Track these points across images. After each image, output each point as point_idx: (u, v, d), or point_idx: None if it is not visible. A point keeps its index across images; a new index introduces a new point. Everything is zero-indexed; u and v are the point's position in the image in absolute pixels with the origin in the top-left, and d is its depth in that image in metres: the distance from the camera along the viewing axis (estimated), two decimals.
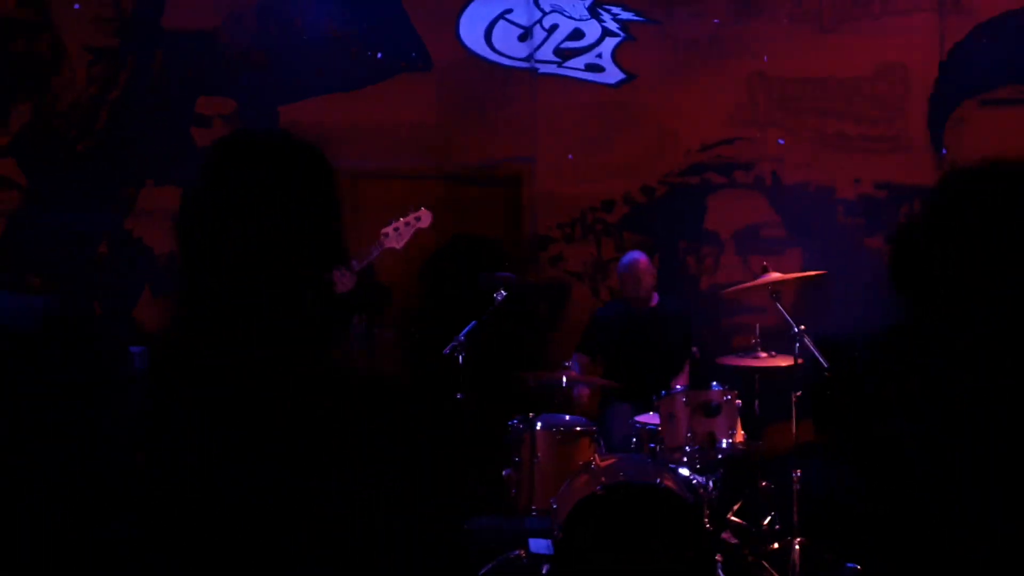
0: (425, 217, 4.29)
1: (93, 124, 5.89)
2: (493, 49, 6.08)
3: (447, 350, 4.40)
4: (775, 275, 4.63)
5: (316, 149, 1.66)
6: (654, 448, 4.37)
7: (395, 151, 5.96)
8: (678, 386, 4.37)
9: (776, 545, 4.48)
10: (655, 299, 5.23)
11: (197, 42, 5.92)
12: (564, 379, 4.44)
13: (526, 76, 6.07)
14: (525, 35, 6.07)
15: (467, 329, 4.44)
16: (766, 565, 4.36)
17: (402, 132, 5.96)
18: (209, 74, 5.92)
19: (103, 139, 5.88)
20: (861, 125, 6.02)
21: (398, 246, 4.27)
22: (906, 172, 5.99)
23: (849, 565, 4.38)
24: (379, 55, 6.00)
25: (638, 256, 5.22)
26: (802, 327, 4.44)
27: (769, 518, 4.72)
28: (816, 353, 4.40)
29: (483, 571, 4.23)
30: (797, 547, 4.29)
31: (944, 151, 5.99)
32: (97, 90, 5.90)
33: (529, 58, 6.08)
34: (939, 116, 6.00)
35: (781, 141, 6.04)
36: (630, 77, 6.09)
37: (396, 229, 4.20)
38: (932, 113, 6.01)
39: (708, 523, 3.91)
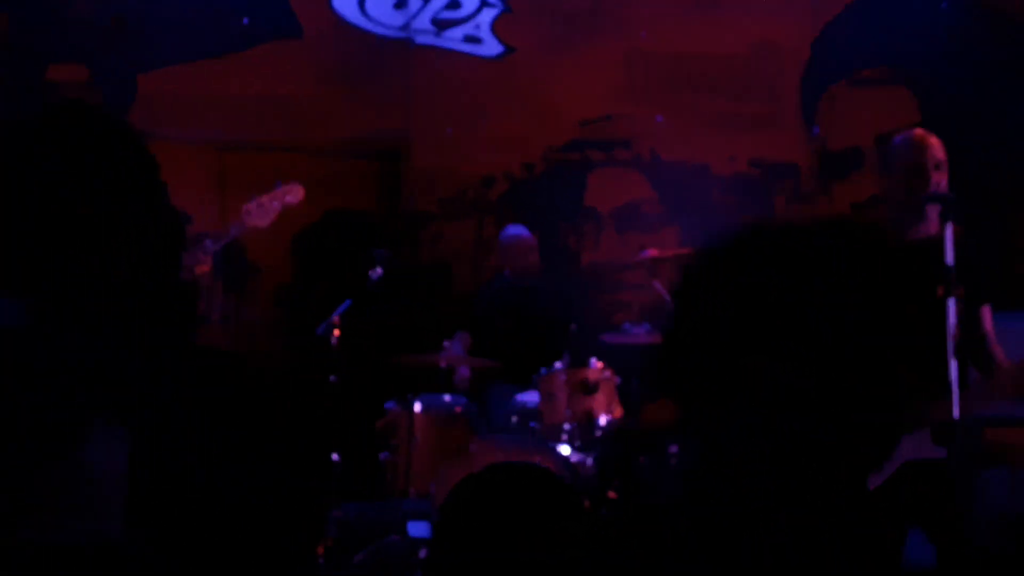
0: (295, 192, 3.79)
1: None
2: (367, 17, 5.88)
3: (320, 330, 4.22)
4: (653, 252, 4.63)
5: (123, 127, 1.52)
6: (534, 427, 4.32)
7: (265, 122, 5.70)
8: (557, 364, 4.32)
9: (655, 520, 4.50)
10: (535, 276, 5.17)
11: (47, 5, 5.52)
12: (443, 361, 4.33)
13: (402, 46, 5.90)
14: (400, 3, 5.89)
15: (341, 308, 4.27)
16: (645, 540, 4.37)
17: (272, 102, 5.71)
18: (60, 40, 5.53)
19: None
20: (736, 103, 6.09)
21: (263, 224, 3.74)
22: (779, 150, 6.10)
23: None
24: (245, 20, 5.72)
25: (521, 230, 5.16)
26: None
27: (647, 494, 4.74)
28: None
29: (357, 558, 4.10)
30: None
31: (816, 130, 6.12)
32: None
33: (405, 27, 5.90)
34: (811, 95, 6.12)
35: (659, 118, 6.05)
36: (509, 50, 5.99)
37: (260, 205, 3.72)
38: (805, 92, 6.12)
39: (587, 501, 3.87)
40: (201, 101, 5.51)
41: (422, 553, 3.94)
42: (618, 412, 4.32)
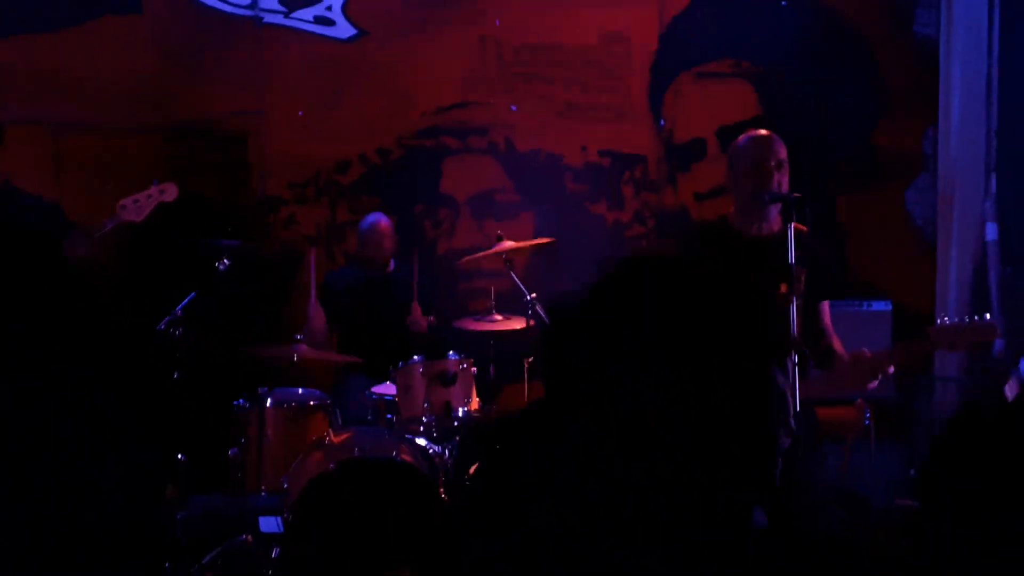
0: (170, 190, 4.10)
1: None
2: None
3: (162, 325, 4.04)
4: (508, 243, 4.67)
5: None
6: (391, 419, 4.29)
7: (104, 102, 5.39)
8: (416, 357, 4.30)
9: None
10: (391, 265, 5.12)
11: None
12: (295, 356, 4.23)
13: (250, 25, 5.69)
14: None
15: (184, 302, 4.10)
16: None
17: (111, 81, 5.40)
18: None
19: None
20: (587, 94, 6.18)
21: (137, 219, 4.02)
22: (628, 141, 6.24)
23: None
24: None
25: (380, 218, 5.10)
26: (534, 295, 4.50)
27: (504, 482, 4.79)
28: (545, 317, 4.48)
29: (206, 559, 3.98)
30: None
31: (663, 122, 6.30)
32: None
33: (253, 6, 5.69)
34: (658, 87, 6.29)
35: (513, 107, 6.08)
36: (362, 33, 5.88)
37: (136, 201, 4.02)
38: (652, 84, 6.28)
39: (444, 493, 3.88)
40: (34, 78, 5.16)
41: (275, 551, 3.86)
42: (475, 403, 4.34)
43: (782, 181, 3.29)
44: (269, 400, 4.15)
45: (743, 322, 1.46)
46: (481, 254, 4.78)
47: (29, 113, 5.23)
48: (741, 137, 3.41)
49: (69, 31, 5.36)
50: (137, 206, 4.01)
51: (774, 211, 3.31)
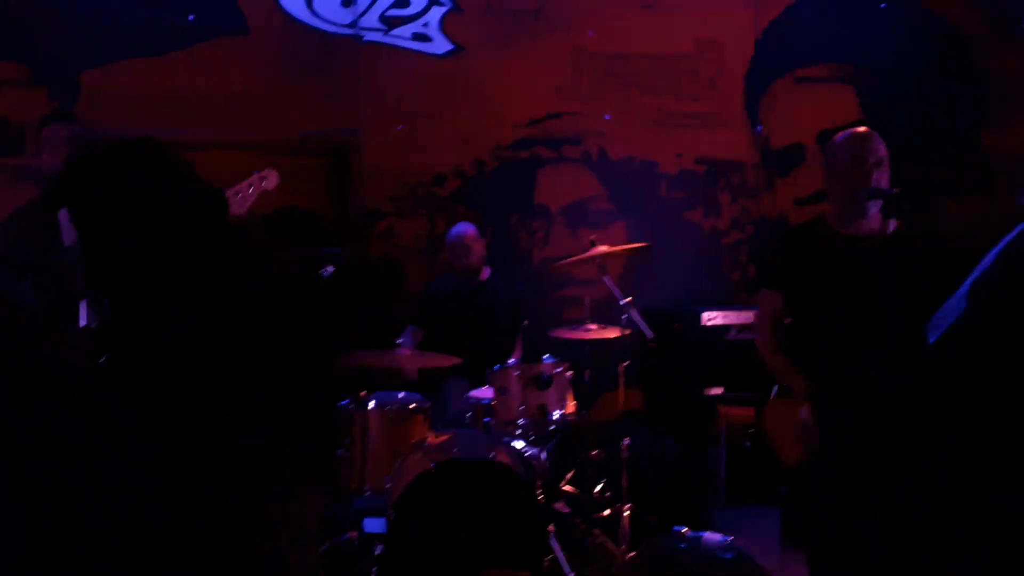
0: (271, 178, 3.85)
1: None
2: (315, 14, 5.85)
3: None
4: (602, 248, 4.69)
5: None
6: (488, 422, 4.35)
7: (212, 120, 5.64)
8: (511, 360, 4.35)
9: (607, 512, 4.56)
10: (486, 273, 5.20)
11: None
12: (397, 359, 4.34)
13: (351, 44, 5.88)
14: (348, 1, 5.87)
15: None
16: (597, 532, 4.43)
17: (219, 100, 5.65)
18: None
19: None
20: (682, 101, 6.18)
21: (240, 211, 3.82)
22: (724, 148, 6.21)
23: (676, 528, 4.52)
24: (191, 17, 5.66)
25: (466, 227, 5.19)
26: (628, 299, 4.51)
27: (600, 486, 4.81)
28: (641, 323, 4.48)
29: (321, 550, 4.09)
30: (627, 513, 4.38)
31: (759, 128, 6.24)
32: None
33: (353, 24, 5.89)
34: (755, 93, 6.24)
35: (607, 116, 6.12)
36: (458, 48, 6.01)
37: (238, 194, 3.81)
38: (748, 90, 6.24)
39: (541, 495, 3.92)
40: (147, 98, 5.43)
41: (378, 549, 3.95)
42: (571, 406, 4.36)
43: (881, 179, 3.23)
44: (372, 403, 4.26)
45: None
46: (576, 258, 4.81)
47: (142, 131, 5.50)
48: (839, 135, 3.37)
49: (181, 53, 5.63)
50: (239, 199, 3.81)
51: (873, 209, 3.26)
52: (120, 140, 1.75)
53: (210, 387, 1.86)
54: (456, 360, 4.56)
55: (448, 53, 6.01)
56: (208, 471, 1.76)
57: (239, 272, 1.81)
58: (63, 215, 1.68)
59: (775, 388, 3.33)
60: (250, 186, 3.79)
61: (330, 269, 4.33)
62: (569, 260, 4.88)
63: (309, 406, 4.37)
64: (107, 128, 5.18)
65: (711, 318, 5.49)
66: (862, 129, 3.36)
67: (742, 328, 5.42)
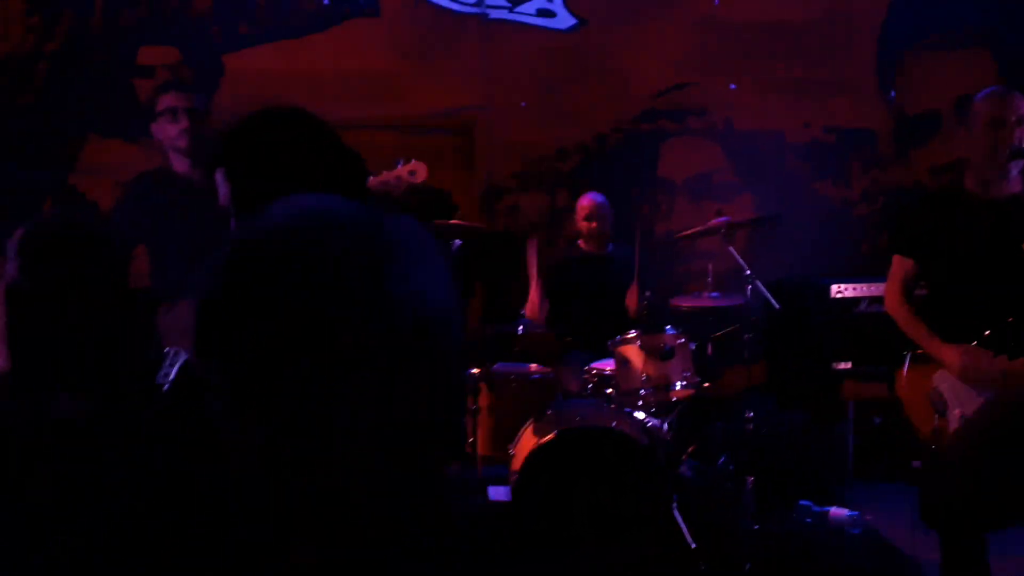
0: (420, 171, 3.49)
1: (32, 77, 5.71)
2: None
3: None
4: (728, 218, 4.66)
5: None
6: (610, 393, 4.41)
7: (344, 100, 5.86)
8: (632, 331, 4.40)
9: (730, 484, 4.56)
10: (610, 247, 5.25)
11: None
12: (520, 328, 4.45)
13: (477, 21, 5.99)
14: None
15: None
16: (721, 503, 4.45)
17: (352, 80, 5.87)
18: (151, 23, 5.76)
19: (43, 93, 5.72)
20: (811, 69, 6.04)
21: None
22: (855, 116, 6.04)
23: (802, 503, 4.49)
24: (326, 1, 5.88)
25: (598, 196, 5.22)
26: (749, 272, 4.48)
27: (723, 459, 4.81)
28: (767, 295, 4.45)
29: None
30: (750, 486, 4.37)
31: (892, 94, 6.04)
32: (34, 42, 5.72)
33: (479, 3, 5.99)
34: (887, 59, 6.04)
35: (732, 86, 6.04)
36: (581, 22, 6.04)
37: (385, 183, 3.46)
38: (880, 56, 6.04)
39: (663, 465, 3.96)
40: (284, 80, 5.69)
41: (501, 516, 4.08)
42: (693, 378, 4.38)
43: (1023, 138, 3.12)
44: (497, 373, 4.39)
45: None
46: (702, 227, 4.80)
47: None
48: (979, 94, 3.27)
49: (317, 35, 5.87)
50: (385, 187, 3.46)
51: (1015, 170, 3.15)
52: (279, 106, 1.87)
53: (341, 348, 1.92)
54: (572, 334, 4.61)
55: (572, 28, 6.05)
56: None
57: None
58: (219, 175, 1.81)
59: (908, 355, 3.25)
60: (397, 178, 3.50)
61: (457, 243, 4.47)
62: (694, 229, 4.87)
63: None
64: (248, 110, 5.46)
65: (840, 290, 5.39)
66: (1002, 88, 3.25)
67: (872, 301, 5.30)
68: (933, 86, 5.99)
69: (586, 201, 5.20)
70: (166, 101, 3.42)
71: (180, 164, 3.45)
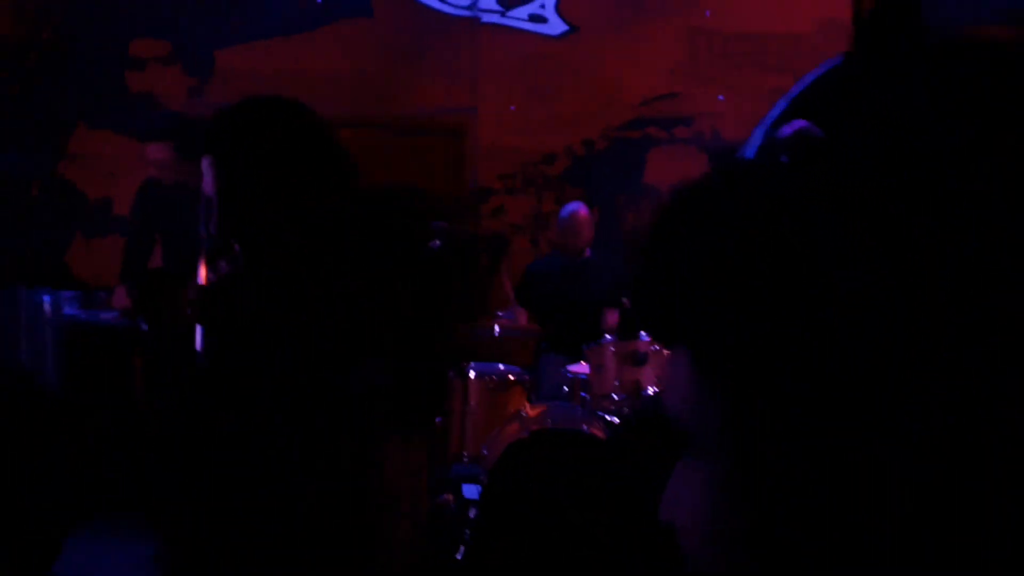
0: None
1: (23, 66, 5.75)
2: None
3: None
4: None
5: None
6: (584, 397, 4.44)
7: (334, 99, 5.88)
8: (607, 336, 4.43)
9: None
10: (587, 253, 5.28)
11: None
12: (496, 330, 4.48)
13: (469, 24, 6.03)
14: None
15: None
16: None
17: (341, 79, 5.90)
18: (144, 16, 5.80)
19: (34, 81, 5.75)
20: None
21: None
22: None
23: None
24: (319, 0, 5.92)
25: (579, 207, 5.25)
26: None
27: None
28: None
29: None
30: None
31: None
32: (27, 31, 5.75)
33: (472, 6, 6.03)
34: None
35: (721, 97, 6.08)
36: (573, 29, 6.08)
37: None
38: None
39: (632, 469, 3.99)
40: (275, 77, 5.71)
41: (472, 512, 4.11)
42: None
43: None
44: (472, 373, 4.41)
45: None
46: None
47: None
48: None
49: (309, 34, 5.90)
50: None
51: None
52: (267, 96, 1.86)
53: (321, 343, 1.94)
54: (547, 334, 4.64)
55: (563, 34, 6.09)
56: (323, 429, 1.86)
57: (362, 235, 1.89)
58: (205, 162, 1.82)
59: None
60: None
61: (437, 243, 4.49)
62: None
63: (415, 374, 4.55)
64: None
65: None
66: None
67: None
68: None
69: (564, 214, 5.24)
70: (151, 154, 4.27)
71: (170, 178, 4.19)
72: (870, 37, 1.18)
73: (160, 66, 5.76)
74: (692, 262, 0.53)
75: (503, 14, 6.07)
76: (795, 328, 0.46)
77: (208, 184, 1.77)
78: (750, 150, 1.13)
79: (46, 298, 4.95)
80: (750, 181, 0.56)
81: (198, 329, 1.90)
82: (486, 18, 6.05)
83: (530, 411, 4.21)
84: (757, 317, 0.48)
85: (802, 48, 6.08)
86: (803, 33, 6.08)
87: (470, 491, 4.48)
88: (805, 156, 0.54)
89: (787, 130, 0.99)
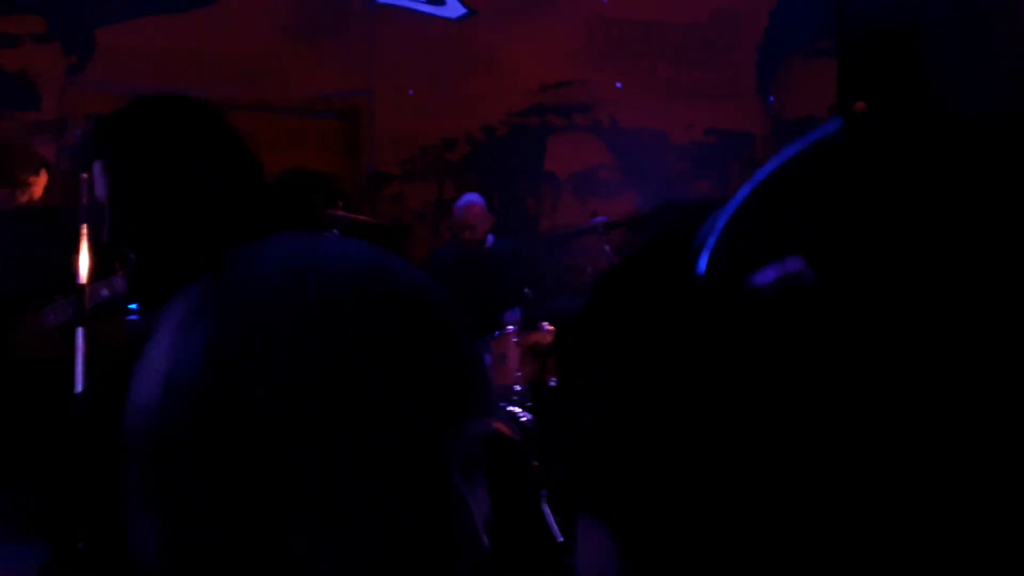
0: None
1: None
2: None
3: None
4: (604, 219, 4.72)
5: None
6: None
7: (226, 81, 5.68)
8: (509, 327, 4.42)
9: None
10: (490, 240, 5.24)
11: None
12: None
13: (363, 5, 5.89)
14: None
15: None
16: None
17: (233, 61, 5.69)
18: None
19: None
20: (695, 71, 6.16)
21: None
22: (735, 119, 6.19)
23: None
24: None
25: (474, 199, 5.20)
26: None
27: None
28: None
29: None
30: None
31: (771, 99, 6.21)
32: None
33: None
34: (768, 64, 6.21)
35: (618, 84, 6.11)
36: (471, 12, 6.01)
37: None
38: (761, 61, 6.20)
39: (535, 460, 3.99)
40: (161, 56, 5.47)
41: None
42: None
43: None
44: None
45: None
46: (575, 228, 4.85)
47: (157, 89, 5.56)
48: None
49: (197, 12, 5.66)
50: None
51: None
52: (162, 93, 1.76)
53: None
54: None
55: (461, 17, 6.01)
56: None
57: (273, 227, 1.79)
58: (96, 167, 1.70)
59: None
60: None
61: (334, 233, 4.38)
62: (571, 230, 4.92)
63: None
64: (121, 85, 5.25)
65: None
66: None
67: None
68: (811, 92, 6.18)
69: (458, 207, 5.19)
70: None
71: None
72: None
73: (36, 43, 5.44)
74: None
75: None
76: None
77: (100, 189, 1.66)
78: (710, 236, 1.01)
79: None
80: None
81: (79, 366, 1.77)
82: None
83: None
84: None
85: (696, 38, 6.17)
86: (697, 23, 6.16)
87: None
88: (793, 309, 0.50)
89: (772, 274, 0.89)
